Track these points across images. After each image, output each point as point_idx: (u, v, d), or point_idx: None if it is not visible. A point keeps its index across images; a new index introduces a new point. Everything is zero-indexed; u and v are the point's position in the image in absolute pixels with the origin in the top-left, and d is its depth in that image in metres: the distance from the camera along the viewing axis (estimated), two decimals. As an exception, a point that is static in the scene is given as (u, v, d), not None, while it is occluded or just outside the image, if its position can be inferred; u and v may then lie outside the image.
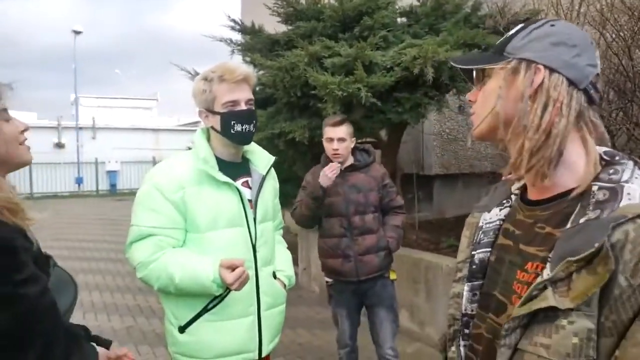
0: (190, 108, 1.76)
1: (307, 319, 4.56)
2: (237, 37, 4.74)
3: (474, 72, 0.94)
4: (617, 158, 0.84)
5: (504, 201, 1.00)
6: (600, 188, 0.80)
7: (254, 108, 1.72)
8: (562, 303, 0.73)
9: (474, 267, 0.98)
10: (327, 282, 2.78)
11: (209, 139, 1.75)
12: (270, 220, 1.83)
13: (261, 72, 4.20)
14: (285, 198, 5.68)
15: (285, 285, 1.87)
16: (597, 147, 0.87)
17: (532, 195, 0.92)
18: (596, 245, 0.71)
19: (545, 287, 0.76)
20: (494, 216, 1.00)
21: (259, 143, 1.93)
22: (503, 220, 0.97)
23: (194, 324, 1.64)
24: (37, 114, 24.53)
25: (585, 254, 0.72)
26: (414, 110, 3.49)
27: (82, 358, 1.07)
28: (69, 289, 1.20)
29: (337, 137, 2.55)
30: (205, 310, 1.63)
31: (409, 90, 3.46)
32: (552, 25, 0.85)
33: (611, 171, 0.81)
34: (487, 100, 0.89)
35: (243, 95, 1.66)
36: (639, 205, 0.74)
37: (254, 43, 4.41)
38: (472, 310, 0.97)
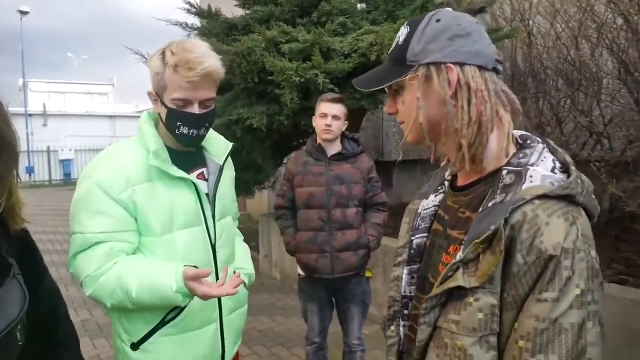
0: (149, 94, 1.52)
1: (268, 306, 4.57)
2: (193, 20, 4.62)
3: (386, 88, 0.93)
4: (528, 142, 0.89)
5: (439, 187, 1.04)
6: (508, 172, 0.84)
7: (211, 107, 1.45)
8: (469, 282, 0.79)
9: (412, 251, 1.02)
10: (299, 274, 2.68)
11: (157, 123, 1.50)
12: (229, 214, 1.65)
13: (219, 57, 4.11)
14: (246, 185, 5.70)
15: (245, 284, 1.67)
16: (515, 131, 0.90)
17: (460, 181, 0.96)
18: (492, 227, 0.77)
19: (458, 268, 0.81)
20: (430, 202, 1.03)
21: (217, 130, 1.67)
22: (438, 206, 1.01)
23: (150, 339, 1.44)
24: (-18, 99, 23.14)
25: (484, 236, 0.77)
26: (372, 97, 3.51)
27: None
28: (14, 306, 1.04)
29: (332, 113, 2.45)
30: (162, 323, 1.43)
31: (366, 76, 3.47)
32: (438, 21, 0.86)
33: (521, 155, 0.86)
34: (409, 111, 0.90)
35: (198, 95, 1.38)
36: (538, 187, 0.78)
37: (211, 27, 4.30)
38: (411, 292, 1.01)
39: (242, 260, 1.72)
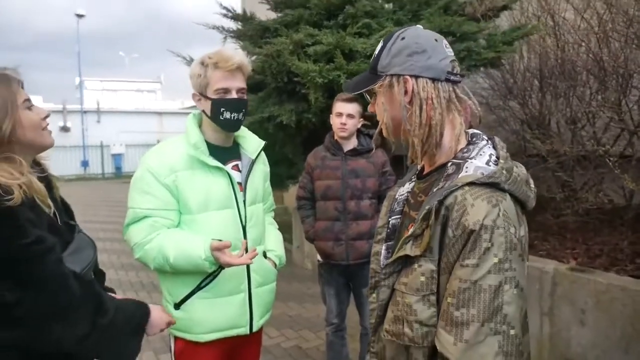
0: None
1: (299, 294, 4.82)
2: (229, 23, 4.91)
3: (365, 93, 1.12)
4: (474, 139, 1.06)
5: (412, 177, 1.22)
6: (452, 164, 1.02)
7: (245, 97, 1.76)
8: (413, 252, 0.98)
9: (388, 230, 1.20)
10: (318, 260, 2.90)
11: (201, 123, 1.80)
12: (260, 202, 1.90)
13: (253, 58, 4.38)
14: (279, 179, 5.98)
15: (275, 265, 1.94)
16: (469, 130, 1.08)
17: (425, 171, 1.13)
18: (427, 207, 0.95)
19: (409, 241, 1.00)
20: (404, 189, 1.21)
21: (250, 126, 1.97)
22: (410, 192, 1.18)
23: (188, 301, 1.71)
24: (43, 97, 24.76)
25: (422, 214, 0.96)
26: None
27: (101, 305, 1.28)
28: (88, 249, 1.40)
29: (347, 112, 2.64)
30: (198, 288, 1.71)
31: (387, 76, 3.62)
32: (403, 39, 1.04)
33: (465, 150, 1.03)
34: (380, 113, 1.10)
35: (235, 84, 1.70)
36: (469, 176, 0.96)
37: (245, 30, 4.57)
38: None
39: (273, 244, 1.99)
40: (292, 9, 4.15)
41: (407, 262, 1.01)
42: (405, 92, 1.02)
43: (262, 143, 1.93)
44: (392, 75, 1.03)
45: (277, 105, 4.06)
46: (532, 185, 1.04)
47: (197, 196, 1.69)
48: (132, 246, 1.70)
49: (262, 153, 1.94)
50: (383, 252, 1.20)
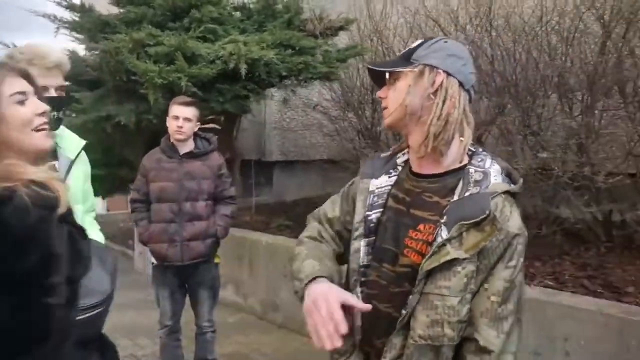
0: None
1: (138, 302, 4.61)
2: (64, 13, 4.54)
3: (387, 74, 1.14)
4: (480, 150, 1.14)
5: (392, 170, 1.20)
6: (475, 171, 1.08)
7: (64, 94, 1.71)
8: (461, 254, 1.00)
9: (370, 225, 1.16)
10: (152, 263, 2.87)
11: None
12: (79, 204, 1.84)
13: (89, 53, 4.13)
14: (121, 182, 5.66)
15: None
16: None
17: (418, 169, 1.15)
18: (487, 212, 0.99)
19: (444, 245, 1.01)
20: (383, 182, 1.19)
21: (85, 125, 1.88)
22: (392, 186, 1.18)
23: None
24: None
25: (478, 218, 0.99)
26: (235, 101, 3.81)
27: None
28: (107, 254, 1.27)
29: (184, 116, 2.67)
30: None
31: (230, 82, 3.76)
32: (445, 42, 1.12)
33: (479, 159, 1.10)
34: (398, 96, 1.11)
35: (53, 82, 1.64)
36: (502, 185, 1.06)
37: (83, 22, 4.28)
38: (367, 262, 1.16)
39: None
40: (135, 6, 4.01)
41: (442, 266, 1.01)
42: (433, 83, 1.06)
43: (83, 142, 1.88)
44: (425, 64, 1.08)
45: (116, 105, 3.89)
46: None
47: None
48: None
49: (83, 152, 1.88)
50: (363, 248, 1.16)
